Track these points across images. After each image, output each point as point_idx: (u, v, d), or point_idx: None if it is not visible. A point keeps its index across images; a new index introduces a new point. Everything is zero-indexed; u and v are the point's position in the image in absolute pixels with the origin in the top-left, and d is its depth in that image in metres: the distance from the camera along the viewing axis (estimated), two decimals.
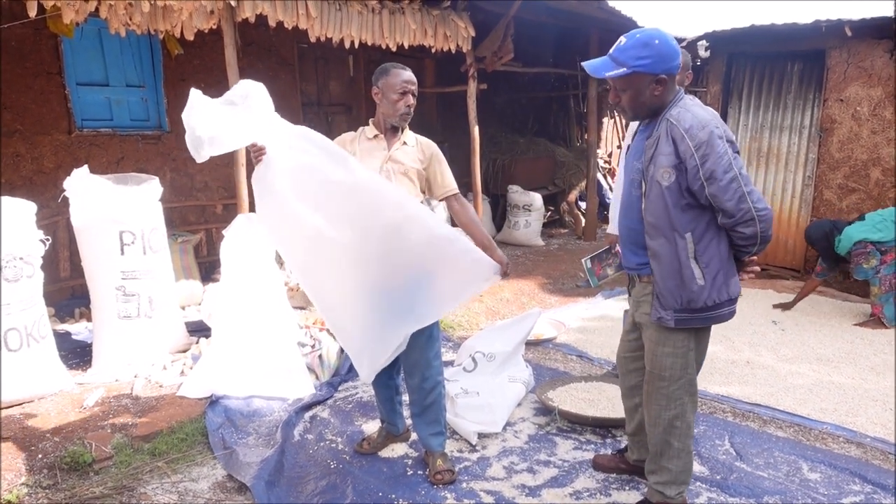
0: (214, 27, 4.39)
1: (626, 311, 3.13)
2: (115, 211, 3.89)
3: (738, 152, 2.26)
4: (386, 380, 3.05)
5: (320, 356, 4.09)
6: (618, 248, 3.64)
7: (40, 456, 3.01)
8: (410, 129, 2.95)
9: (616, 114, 10.61)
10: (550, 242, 8.28)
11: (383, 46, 5.29)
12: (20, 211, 3.53)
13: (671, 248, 2.31)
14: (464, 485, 2.91)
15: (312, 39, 4.83)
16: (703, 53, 6.90)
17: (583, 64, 2.40)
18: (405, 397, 3.22)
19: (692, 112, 2.25)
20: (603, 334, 4.95)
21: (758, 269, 2.53)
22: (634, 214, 2.44)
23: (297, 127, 2.65)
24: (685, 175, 2.23)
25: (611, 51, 2.34)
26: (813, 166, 6.48)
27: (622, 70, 2.27)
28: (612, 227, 3.81)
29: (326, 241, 2.61)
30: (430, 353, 2.86)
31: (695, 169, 2.20)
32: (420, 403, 2.93)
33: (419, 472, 3.03)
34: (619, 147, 10.31)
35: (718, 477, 2.96)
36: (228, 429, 3.38)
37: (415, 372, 2.88)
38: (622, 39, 2.30)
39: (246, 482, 2.88)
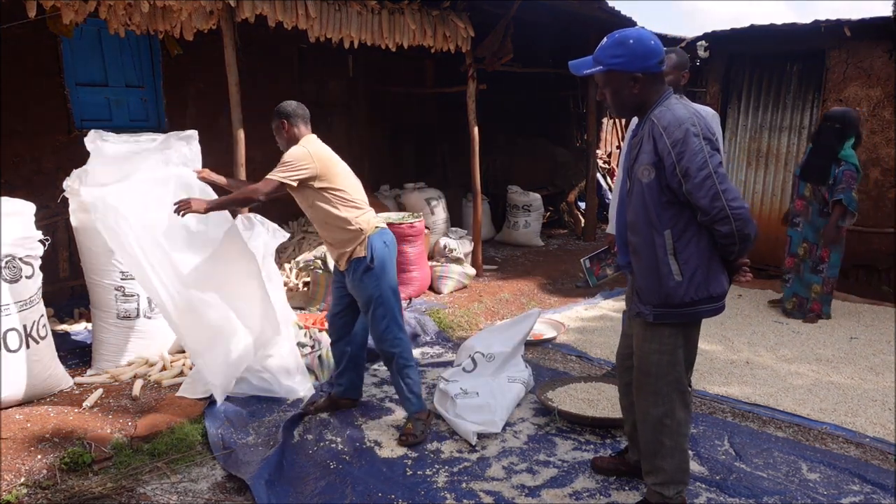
0: (214, 27, 4.39)
1: (625, 312, 3.14)
2: None
3: (717, 150, 2.29)
4: (342, 346, 3.58)
5: (320, 356, 4.09)
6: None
7: (40, 456, 3.01)
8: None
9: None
10: (550, 243, 8.28)
11: (383, 47, 5.30)
12: (19, 211, 3.53)
13: (650, 244, 2.35)
14: (463, 485, 2.91)
15: (312, 40, 4.83)
16: (702, 54, 6.90)
17: (568, 63, 2.46)
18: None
19: (672, 111, 2.30)
20: (602, 334, 4.95)
21: (749, 276, 2.53)
22: (625, 214, 2.50)
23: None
24: (664, 172, 2.27)
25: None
26: None
27: (599, 68, 2.34)
28: (612, 227, 3.82)
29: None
30: (380, 327, 3.30)
31: (672, 166, 2.25)
32: (390, 373, 3.42)
33: (419, 472, 3.03)
34: (619, 147, 10.32)
35: (718, 477, 2.96)
36: (228, 429, 3.38)
37: (377, 346, 3.37)
38: (604, 39, 2.38)
39: (246, 482, 2.88)
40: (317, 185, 3.18)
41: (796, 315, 5.31)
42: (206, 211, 3.23)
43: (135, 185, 3.58)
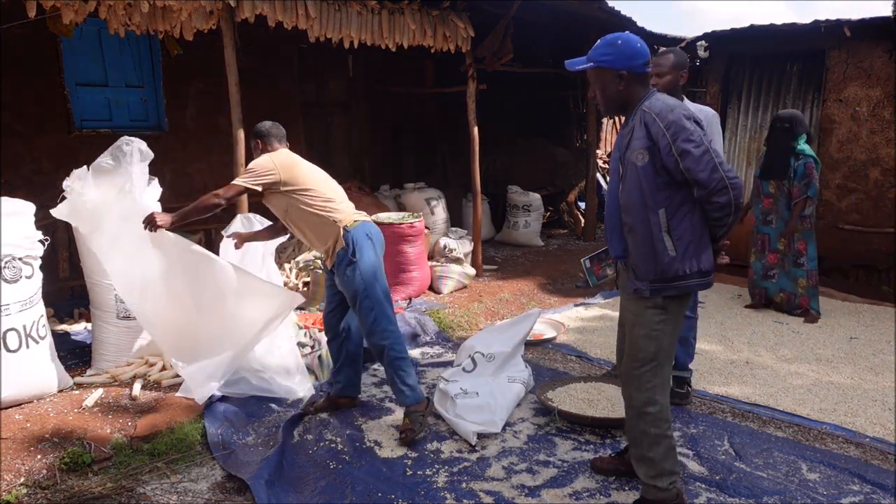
0: (214, 27, 4.39)
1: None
2: None
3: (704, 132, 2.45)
4: (339, 343, 3.60)
5: (320, 356, 4.09)
6: None
7: (39, 456, 3.01)
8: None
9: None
10: (550, 243, 8.28)
11: (383, 47, 5.30)
12: (19, 211, 3.53)
13: (645, 223, 2.46)
14: (463, 485, 2.92)
15: (312, 40, 4.83)
16: (702, 54, 6.91)
17: (565, 62, 2.62)
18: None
19: (661, 100, 2.48)
20: (602, 334, 4.95)
21: (727, 259, 2.68)
22: (617, 202, 2.61)
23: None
24: (659, 155, 2.40)
25: None
26: None
27: (589, 64, 2.52)
28: None
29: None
30: (368, 319, 3.28)
31: (667, 147, 2.37)
32: (383, 366, 3.41)
33: (419, 472, 3.03)
34: None
35: (718, 477, 2.96)
36: (228, 429, 3.38)
37: (367, 340, 3.39)
38: (598, 41, 2.55)
39: (246, 482, 2.88)
40: (284, 189, 3.29)
41: (785, 309, 5.33)
42: (173, 224, 3.36)
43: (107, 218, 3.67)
